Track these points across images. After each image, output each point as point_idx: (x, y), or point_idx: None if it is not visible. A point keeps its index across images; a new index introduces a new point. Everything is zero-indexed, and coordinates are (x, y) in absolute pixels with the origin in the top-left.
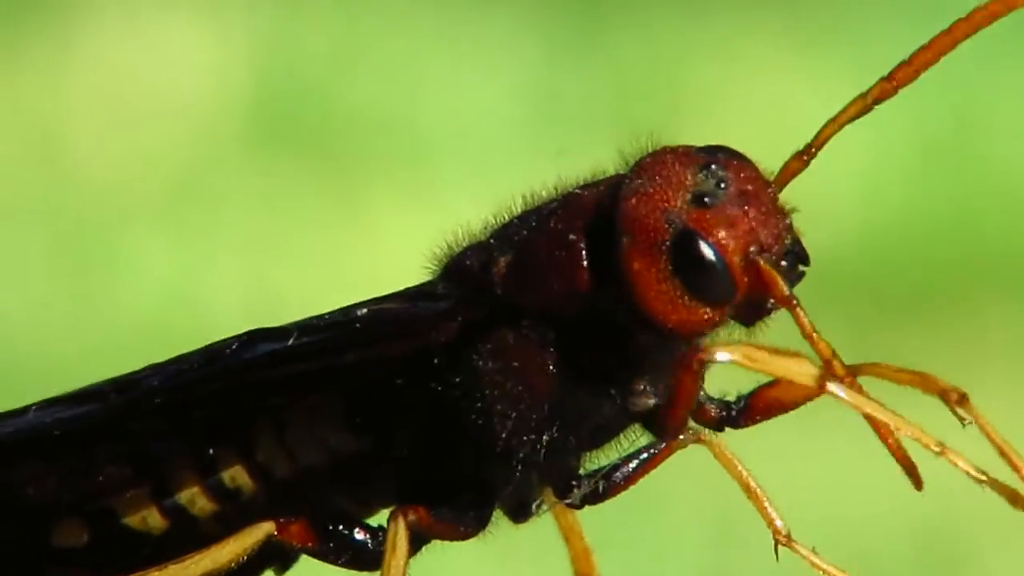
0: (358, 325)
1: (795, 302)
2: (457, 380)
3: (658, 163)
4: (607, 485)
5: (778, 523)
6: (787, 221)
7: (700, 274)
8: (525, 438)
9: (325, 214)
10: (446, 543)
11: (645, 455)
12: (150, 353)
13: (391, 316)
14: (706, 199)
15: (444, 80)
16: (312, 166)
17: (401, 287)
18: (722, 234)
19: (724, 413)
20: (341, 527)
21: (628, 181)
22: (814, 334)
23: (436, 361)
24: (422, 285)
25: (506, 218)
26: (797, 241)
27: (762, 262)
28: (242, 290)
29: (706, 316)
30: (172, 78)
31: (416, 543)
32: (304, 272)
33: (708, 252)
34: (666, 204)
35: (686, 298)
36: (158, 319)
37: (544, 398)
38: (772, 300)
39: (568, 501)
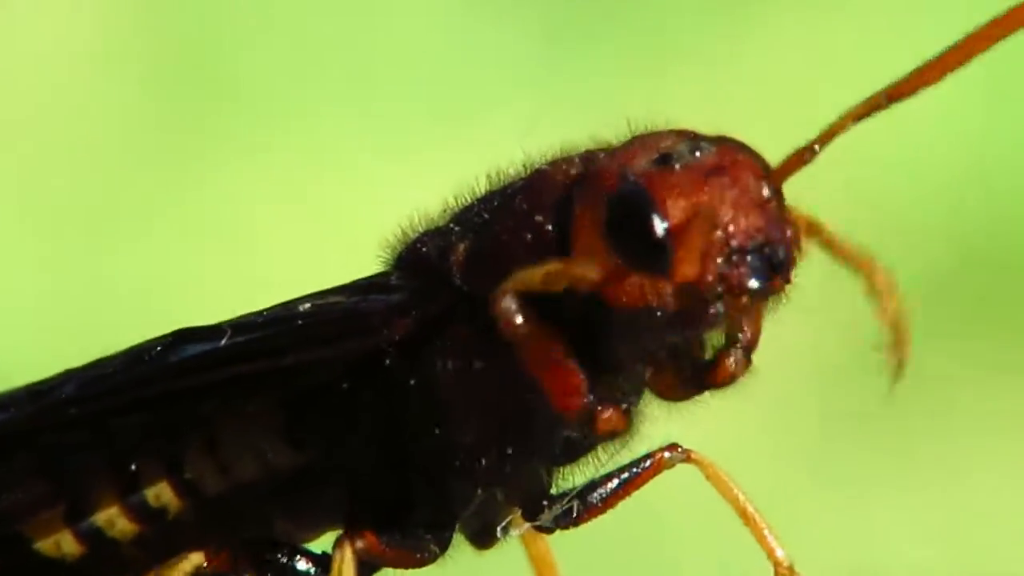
0: (300, 322)
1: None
2: (412, 383)
3: (645, 135)
4: (583, 506)
5: (779, 553)
6: (772, 217)
7: (628, 229)
8: (489, 450)
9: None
10: (399, 572)
11: (627, 473)
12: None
13: (337, 312)
14: (671, 160)
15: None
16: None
17: (330, 275)
18: (667, 192)
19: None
20: (280, 556)
21: (606, 149)
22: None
23: (388, 362)
24: (373, 276)
25: (466, 200)
26: (780, 247)
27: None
28: (141, 271)
29: (637, 284)
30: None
31: (365, 572)
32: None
33: (642, 206)
34: (628, 161)
35: (615, 259)
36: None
37: (510, 404)
38: (717, 304)
39: (539, 524)
